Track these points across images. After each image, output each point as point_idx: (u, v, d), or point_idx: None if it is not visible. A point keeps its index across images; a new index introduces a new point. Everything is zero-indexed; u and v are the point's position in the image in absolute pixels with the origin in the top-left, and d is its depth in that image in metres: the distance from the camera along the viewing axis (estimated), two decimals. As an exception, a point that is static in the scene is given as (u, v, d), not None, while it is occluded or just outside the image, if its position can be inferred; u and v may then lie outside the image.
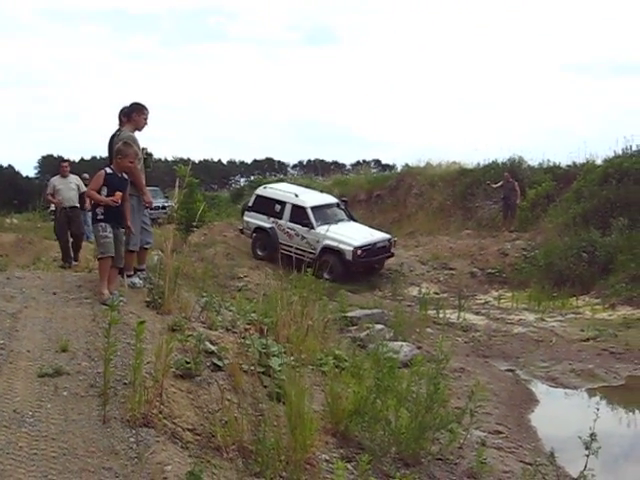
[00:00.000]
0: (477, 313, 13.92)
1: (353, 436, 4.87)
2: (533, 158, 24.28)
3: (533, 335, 11.73)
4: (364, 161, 49.98)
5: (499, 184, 21.32)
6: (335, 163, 65.63)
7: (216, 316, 6.67)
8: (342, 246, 16.44)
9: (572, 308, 13.64)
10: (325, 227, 16.27)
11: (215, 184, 68.66)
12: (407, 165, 29.95)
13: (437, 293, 16.03)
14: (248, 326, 6.69)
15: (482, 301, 15.62)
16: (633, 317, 12.54)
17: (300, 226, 17.49)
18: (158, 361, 4.60)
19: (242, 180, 74.10)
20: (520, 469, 5.21)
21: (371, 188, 28.14)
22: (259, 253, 18.21)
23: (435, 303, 13.11)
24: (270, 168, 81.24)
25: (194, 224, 15.84)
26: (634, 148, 20.02)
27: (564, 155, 22.55)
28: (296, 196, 18.28)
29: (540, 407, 8.44)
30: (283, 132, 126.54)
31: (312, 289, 7.61)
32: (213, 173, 77.01)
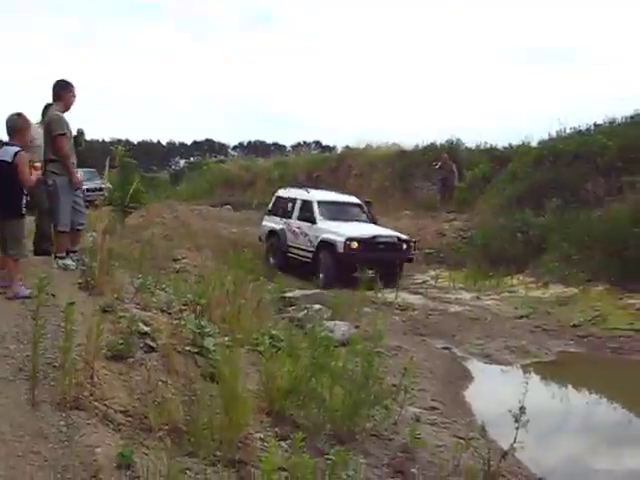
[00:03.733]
0: (415, 292, 14.09)
1: (288, 415, 4.88)
2: (471, 140, 24.67)
3: (469, 313, 11.94)
4: (304, 142, 49.98)
5: (437, 165, 21.57)
6: (275, 144, 65.43)
7: (150, 297, 6.59)
8: (334, 237, 14.99)
9: (507, 287, 13.91)
10: (330, 223, 15.64)
11: (154, 165, 67.72)
12: (347, 146, 30.04)
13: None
14: (184, 307, 6.64)
15: (420, 281, 15.81)
16: (565, 295, 12.86)
17: (305, 223, 16.19)
18: (89, 343, 4.52)
19: (182, 161, 73.27)
20: (453, 443, 5.30)
21: (311, 169, 28.17)
22: (271, 260, 16.69)
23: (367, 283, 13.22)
24: (210, 149, 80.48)
25: (130, 205, 15.60)
26: (567, 131, 20.54)
27: (501, 137, 22.94)
28: (307, 192, 17.29)
29: (474, 383, 8.62)
30: (223, 113, 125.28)
31: (249, 269, 7.58)
32: (152, 154, 75.84)
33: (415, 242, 15.96)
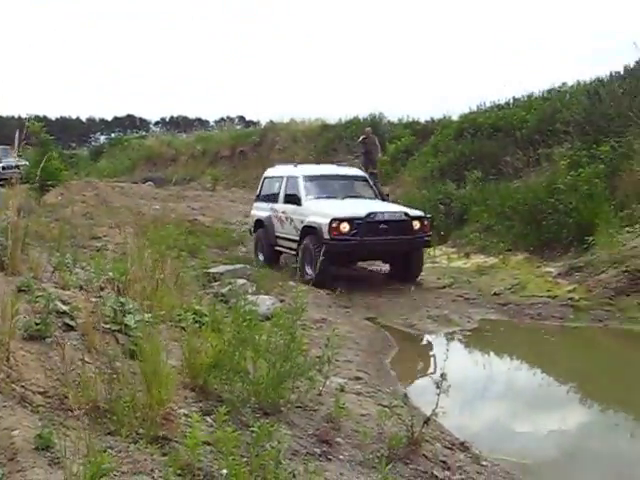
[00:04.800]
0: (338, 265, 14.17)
1: (212, 389, 4.85)
2: (393, 114, 24.95)
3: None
4: (228, 117, 49.44)
5: (360, 139, 21.68)
6: (199, 120, 64.61)
7: (69, 276, 6.43)
8: (318, 219, 11.88)
9: (430, 257, 14.14)
10: (319, 203, 12.70)
11: (74, 142, 65.96)
12: (271, 121, 29.96)
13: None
14: (104, 285, 6.49)
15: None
16: (485, 265, 13.20)
17: (291, 205, 13.21)
18: (4, 324, 4.38)
19: (102, 138, 71.50)
20: (377, 411, 5.39)
21: (234, 144, 27.97)
22: (259, 257, 14.10)
23: (293, 257, 13.24)
24: (131, 125, 78.94)
25: (48, 183, 15.15)
26: (487, 105, 20.98)
27: (423, 112, 23.38)
28: (295, 166, 14.62)
29: (398, 353, 8.77)
30: (144, 89, 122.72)
31: (170, 245, 7.48)
32: (71, 131, 73.88)
33: (431, 218, 12.74)
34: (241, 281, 9.85)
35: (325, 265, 9.57)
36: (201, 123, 55.70)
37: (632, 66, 16.97)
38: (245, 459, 3.72)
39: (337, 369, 6.45)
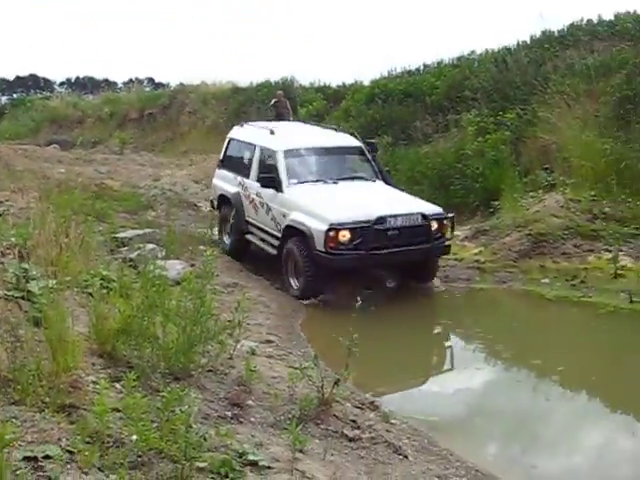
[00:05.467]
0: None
1: (121, 356, 4.77)
2: (305, 78, 24.84)
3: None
4: (137, 79, 48.02)
5: (272, 102, 21.54)
6: (106, 81, 62.46)
7: (-34, 243, 6.17)
8: (309, 222, 9.16)
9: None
10: (305, 190, 9.98)
11: (-29, 103, 62.93)
12: (181, 83, 29.36)
13: (211, 211, 16.02)
14: (6, 250, 6.27)
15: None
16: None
17: (268, 189, 10.26)
18: None
19: (3, 98, 68.44)
20: (288, 374, 5.44)
21: (143, 106, 27.35)
22: (225, 241, 11.55)
23: (209, 221, 13.12)
24: (35, 85, 75.83)
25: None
26: (398, 70, 21.14)
27: (334, 77, 23.37)
28: (271, 133, 11.05)
29: (309, 316, 8.83)
30: (49, 47, 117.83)
31: (76, 210, 7.27)
32: (-32, 91, 70.42)
33: (452, 217, 10.01)
34: (150, 246, 9.67)
35: (315, 281, 8.99)
36: (109, 84, 53.79)
37: (538, 36, 17.39)
38: (155, 424, 3.69)
39: (248, 332, 6.46)
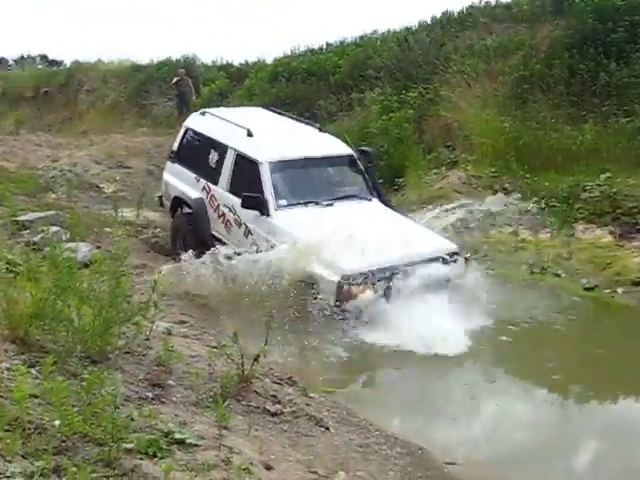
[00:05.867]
0: (155, 210, 13.92)
1: (35, 340, 4.62)
2: (207, 56, 24.53)
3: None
4: (29, 56, 46.08)
5: (174, 81, 21.17)
6: (-6, 57, 59.73)
7: None
8: (315, 269, 7.53)
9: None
10: (297, 216, 8.36)
11: None
12: (77, 61, 28.40)
13: (115, 192, 15.65)
14: None
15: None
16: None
17: (250, 210, 8.55)
18: None
19: None
20: (207, 352, 5.43)
21: (38, 85, 26.29)
22: (179, 253, 8.79)
23: (113, 202, 12.84)
24: None
25: None
26: (301, 49, 21.17)
27: (238, 55, 23.12)
28: (249, 135, 9.17)
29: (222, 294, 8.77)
30: None
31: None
32: None
33: (467, 258, 8.59)
34: (54, 228, 9.38)
35: None
36: (-3, 61, 51.55)
37: (439, 16, 17.76)
38: (77, 408, 3.61)
39: (161, 313, 6.37)
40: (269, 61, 21.73)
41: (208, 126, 10.02)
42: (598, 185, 10.82)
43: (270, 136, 9.56)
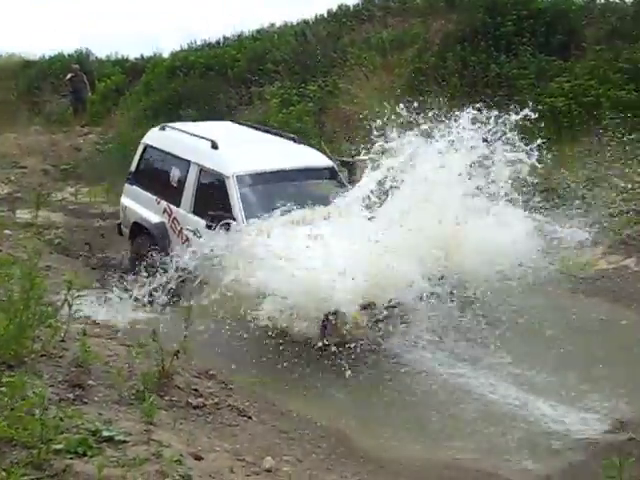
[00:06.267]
0: (55, 211, 13.62)
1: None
2: (101, 51, 23.90)
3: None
4: None
5: (68, 77, 20.59)
6: None
7: None
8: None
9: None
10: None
11: None
12: (-44, 57, 27.05)
13: (10, 194, 15.17)
14: None
15: (59, 198, 15.27)
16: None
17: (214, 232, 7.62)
18: None
19: None
20: (124, 351, 5.41)
21: None
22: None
23: (9, 204, 12.50)
24: None
25: None
26: (198, 43, 20.98)
27: (133, 49, 22.55)
28: (213, 147, 8.35)
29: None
30: None
31: None
32: None
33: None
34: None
35: None
36: None
37: (334, 10, 18.00)
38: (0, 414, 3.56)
39: (76, 314, 6.30)
40: (166, 55, 21.42)
41: (168, 141, 9.24)
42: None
43: (238, 148, 8.80)
